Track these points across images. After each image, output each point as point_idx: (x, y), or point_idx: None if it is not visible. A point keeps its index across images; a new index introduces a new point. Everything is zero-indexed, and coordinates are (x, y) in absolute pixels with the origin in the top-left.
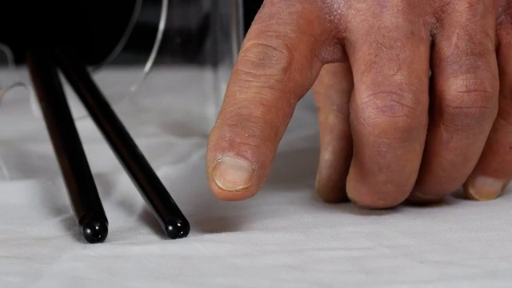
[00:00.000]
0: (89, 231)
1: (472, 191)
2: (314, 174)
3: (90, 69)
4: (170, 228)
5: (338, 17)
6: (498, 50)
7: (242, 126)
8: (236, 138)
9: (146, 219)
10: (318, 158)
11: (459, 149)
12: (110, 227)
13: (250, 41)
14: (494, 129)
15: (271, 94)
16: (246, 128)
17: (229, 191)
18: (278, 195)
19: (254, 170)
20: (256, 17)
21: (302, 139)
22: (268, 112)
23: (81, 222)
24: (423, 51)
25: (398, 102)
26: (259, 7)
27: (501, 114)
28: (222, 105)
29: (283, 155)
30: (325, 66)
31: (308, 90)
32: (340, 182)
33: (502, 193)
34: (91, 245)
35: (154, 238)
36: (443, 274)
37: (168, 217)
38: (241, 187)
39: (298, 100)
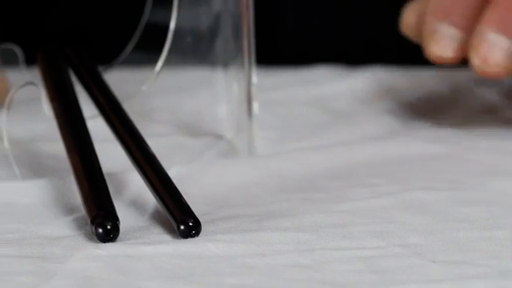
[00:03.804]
0: (101, 230)
1: (477, 61)
2: None
3: (100, 68)
4: (182, 227)
5: None
6: None
7: None
8: None
9: (158, 219)
10: None
11: None
12: (121, 227)
13: None
14: None
15: None
16: None
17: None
18: (289, 194)
19: None
20: None
21: None
22: None
23: (92, 221)
24: None
25: None
26: None
27: None
28: None
29: None
30: None
31: None
32: None
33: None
34: (103, 244)
35: (166, 237)
36: (455, 273)
37: (180, 216)
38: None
39: None
